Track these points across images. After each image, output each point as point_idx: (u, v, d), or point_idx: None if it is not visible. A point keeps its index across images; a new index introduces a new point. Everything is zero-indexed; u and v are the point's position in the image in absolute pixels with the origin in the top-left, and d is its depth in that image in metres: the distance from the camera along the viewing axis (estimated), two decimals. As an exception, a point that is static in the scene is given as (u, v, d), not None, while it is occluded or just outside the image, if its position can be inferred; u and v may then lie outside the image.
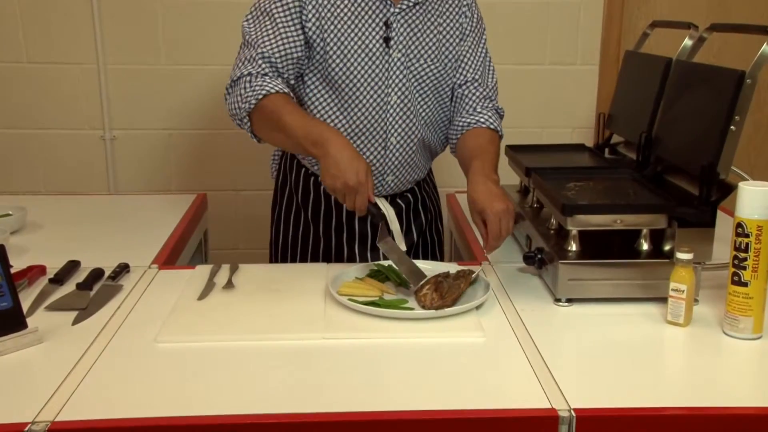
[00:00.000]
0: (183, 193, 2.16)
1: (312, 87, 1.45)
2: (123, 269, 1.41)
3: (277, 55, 1.40)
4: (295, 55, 1.41)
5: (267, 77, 1.38)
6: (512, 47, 2.39)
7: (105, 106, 2.34)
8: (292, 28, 1.41)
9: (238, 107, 1.40)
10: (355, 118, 1.44)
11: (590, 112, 2.42)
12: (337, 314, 1.23)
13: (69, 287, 1.34)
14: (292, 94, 1.39)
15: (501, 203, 1.29)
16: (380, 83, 1.43)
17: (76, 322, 1.21)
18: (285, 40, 1.40)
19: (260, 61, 1.39)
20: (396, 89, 1.44)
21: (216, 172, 2.41)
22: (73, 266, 1.41)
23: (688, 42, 1.58)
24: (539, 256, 1.37)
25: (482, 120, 1.53)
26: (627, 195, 1.40)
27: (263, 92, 1.36)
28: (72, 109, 2.34)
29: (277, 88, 1.36)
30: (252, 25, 1.43)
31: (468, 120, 1.53)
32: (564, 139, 2.38)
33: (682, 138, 1.43)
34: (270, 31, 1.41)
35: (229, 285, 1.35)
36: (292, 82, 1.45)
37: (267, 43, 1.40)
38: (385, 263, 1.38)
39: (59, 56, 2.31)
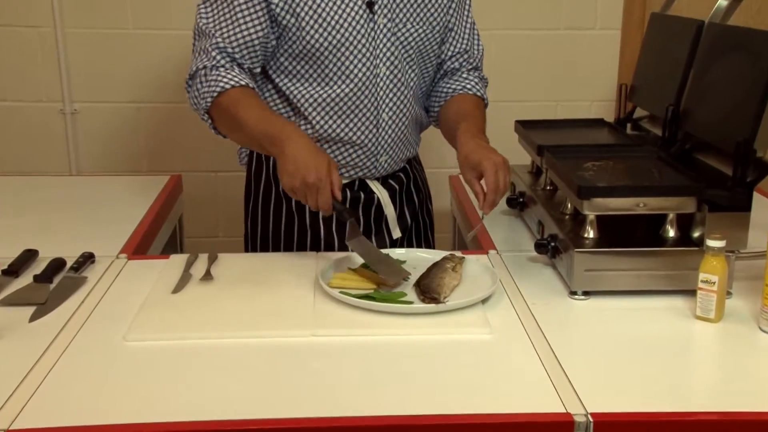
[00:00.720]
0: (154, 174, 2.15)
1: (290, 69, 1.45)
2: (87, 259, 1.41)
3: (234, 44, 1.40)
4: (256, 42, 1.41)
5: (222, 69, 1.39)
6: (523, 10, 2.38)
7: (64, 76, 2.33)
8: (253, 13, 1.40)
9: (197, 104, 1.42)
10: (342, 95, 1.45)
11: (611, 82, 2.42)
12: (327, 309, 1.24)
13: (25, 280, 1.34)
14: (252, 84, 1.40)
15: (497, 156, 1.32)
16: (367, 54, 1.43)
17: (33, 318, 1.21)
18: (243, 28, 1.40)
19: (215, 53, 1.40)
20: (384, 59, 1.45)
21: (192, 150, 2.41)
22: (29, 256, 1.41)
23: (722, 2, 1.58)
24: (552, 244, 1.37)
25: (468, 86, 1.56)
26: (651, 175, 1.40)
27: (218, 88, 1.37)
28: (26, 78, 2.32)
29: (233, 82, 1.37)
30: (208, 13, 1.43)
31: (452, 86, 1.57)
32: (581, 114, 2.38)
33: (714, 111, 1.43)
34: (227, 19, 1.41)
35: (208, 277, 1.35)
36: (257, 70, 1.45)
37: (224, 33, 1.40)
38: (382, 253, 1.38)
39: (10, 18, 2.28)
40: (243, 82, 1.38)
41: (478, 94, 1.56)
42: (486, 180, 1.30)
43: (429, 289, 1.25)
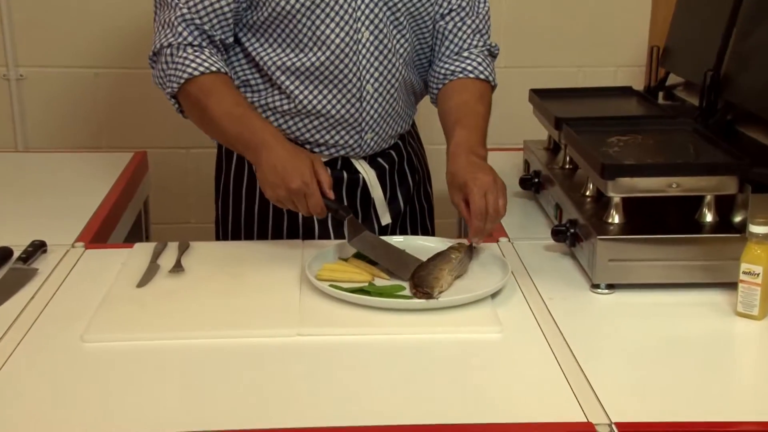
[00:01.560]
0: (116, 150, 2.15)
1: (260, 32, 1.45)
2: (38, 249, 1.41)
3: (202, 13, 1.40)
4: (226, 9, 1.41)
5: (190, 50, 1.38)
6: (540, -40, 2.38)
7: (8, 36, 2.31)
8: None
9: (162, 86, 1.42)
10: (318, 64, 1.44)
11: (640, 45, 2.41)
12: (315, 305, 1.24)
13: (-32, 271, 1.34)
14: (225, 69, 1.39)
15: (486, 175, 1.31)
16: (346, 17, 1.43)
17: (-22, 315, 1.21)
18: None
19: (181, 28, 1.39)
20: (367, 22, 1.44)
21: (159, 123, 2.39)
22: (-28, 244, 1.41)
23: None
24: (572, 230, 1.38)
25: (470, 67, 1.53)
26: (686, 151, 1.41)
27: (185, 75, 1.37)
28: (-36, 39, 2.31)
29: (202, 68, 1.37)
30: None
31: (452, 66, 1.53)
32: (606, 81, 2.38)
33: (759, 77, 1.43)
34: None
35: (178, 268, 1.35)
36: (230, 40, 1.44)
37: (189, 1, 1.39)
38: (393, 246, 1.38)
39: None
40: (214, 68, 1.38)
41: (482, 76, 1.52)
42: (471, 205, 1.30)
43: (423, 282, 1.25)
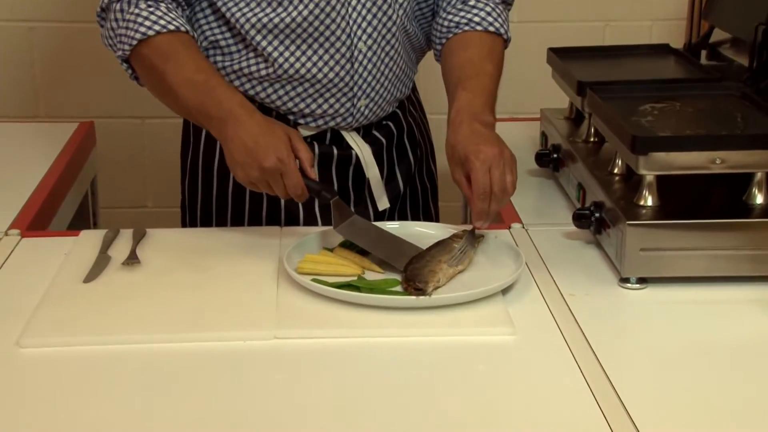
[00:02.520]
0: (56, 120, 2.15)
1: None
2: (-34, 236, 1.41)
3: None
4: None
5: (143, 4, 1.38)
6: None
7: None
8: None
9: (113, 48, 1.42)
10: (300, 20, 1.44)
11: (680, -5, 2.41)
12: (295, 302, 1.25)
13: None
14: (186, 27, 1.39)
15: (491, 146, 1.31)
16: None
17: None
18: None
19: None
20: None
21: (109, 88, 2.39)
22: None
23: None
24: (597, 214, 1.38)
25: (477, 18, 1.52)
26: (733, 121, 1.41)
27: (138, 35, 1.37)
28: None
29: (158, 26, 1.37)
30: None
31: (457, 17, 1.53)
32: (638, 38, 2.38)
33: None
34: None
35: (132, 260, 1.36)
36: None
37: None
38: (386, 231, 1.39)
39: None
40: (173, 26, 1.38)
41: (492, 28, 1.52)
42: (473, 183, 1.30)
43: (416, 275, 1.26)
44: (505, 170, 1.30)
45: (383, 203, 1.57)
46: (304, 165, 1.32)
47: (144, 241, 1.43)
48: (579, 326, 1.20)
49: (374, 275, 1.31)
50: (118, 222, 1.61)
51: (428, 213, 1.68)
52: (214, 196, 1.57)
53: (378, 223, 1.42)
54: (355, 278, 1.29)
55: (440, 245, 1.34)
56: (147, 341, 1.16)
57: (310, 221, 1.54)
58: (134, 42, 1.37)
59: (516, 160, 1.33)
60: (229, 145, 1.33)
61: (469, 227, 1.39)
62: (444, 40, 1.53)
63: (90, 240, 1.43)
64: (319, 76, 1.47)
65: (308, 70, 1.46)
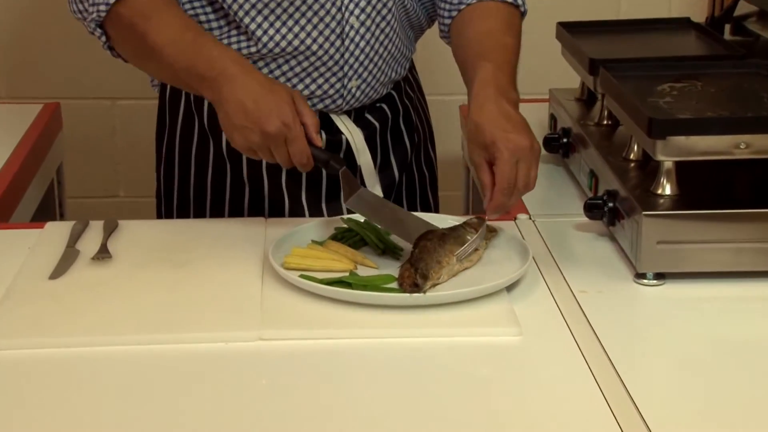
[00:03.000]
0: (19, 101, 2.14)
1: None
2: None
3: None
4: None
5: None
6: None
7: None
8: None
9: (83, 15, 1.40)
10: None
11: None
12: (282, 301, 1.25)
13: None
14: None
15: (522, 136, 1.30)
16: None
17: None
18: None
19: None
20: None
21: (76, 65, 2.38)
22: None
23: None
24: (610, 204, 1.39)
25: None
26: (759, 102, 1.41)
27: None
28: None
29: None
30: None
31: None
32: (656, 12, 2.38)
33: None
34: None
35: (103, 254, 1.36)
36: None
37: None
38: (400, 209, 1.40)
39: None
40: None
41: None
42: (497, 171, 1.29)
43: (419, 261, 1.25)
44: (531, 165, 1.30)
45: (376, 193, 1.57)
46: (309, 131, 1.30)
47: (116, 233, 1.42)
48: (591, 326, 1.20)
49: (368, 270, 1.31)
50: (87, 213, 1.61)
51: (426, 203, 1.68)
52: (192, 184, 1.57)
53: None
54: (347, 274, 1.29)
55: (453, 233, 1.33)
56: (118, 343, 1.16)
57: (297, 211, 1.54)
58: (110, 1, 1.36)
59: (541, 152, 1.32)
60: (225, 107, 1.30)
61: (473, 218, 1.39)
62: (455, 13, 1.53)
63: (56, 233, 1.43)
64: (307, 53, 1.47)
65: (295, 48, 1.46)
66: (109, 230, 1.42)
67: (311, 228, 1.40)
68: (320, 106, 1.52)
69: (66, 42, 2.33)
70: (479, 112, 1.33)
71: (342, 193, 1.33)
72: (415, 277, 1.23)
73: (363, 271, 1.31)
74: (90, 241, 1.40)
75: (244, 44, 1.47)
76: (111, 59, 1.46)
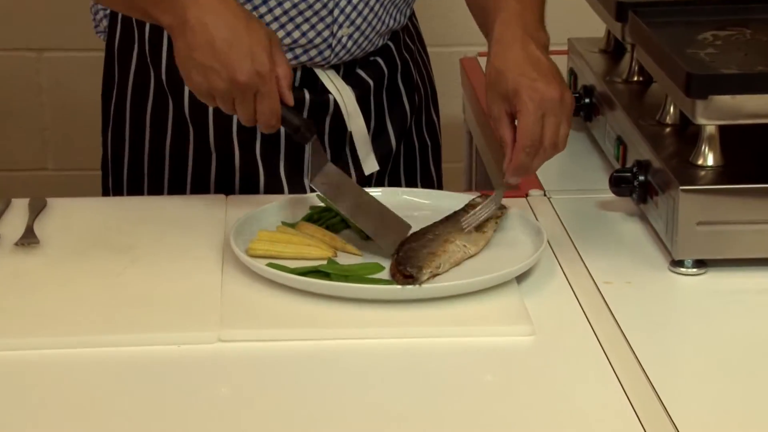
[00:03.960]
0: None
1: None
2: None
3: None
4: None
5: None
6: None
7: None
8: None
9: None
10: None
11: None
12: (246, 294, 1.25)
13: None
14: None
15: (551, 86, 1.30)
16: None
17: None
18: None
19: None
20: None
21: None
22: None
23: None
24: (641, 177, 1.39)
25: None
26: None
27: None
28: None
29: None
30: None
31: None
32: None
33: None
34: None
35: (29, 239, 1.36)
36: None
37: None
38: (371, 196, 1.39)
39: None
40: None
41: None
42: (520, 126, 1.30)
43: (408, 258, 1.26)
44: (561, 120, 1.30)
45: (370, 165, 1.57)
46: (281, 85, 1.29)
47: (43, 214, 1.42)
48: (617, 324, 1.20)
49: (350, 258, 1.31)
50: (9, 189, 1.61)
51: (428, 177, 1.69)
52: (147, 152, 1.57)
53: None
54: (325, 262, 1.29)
55: (449, 221, 1.34)
56: (47, 346, 1.15)
57: (274, 187, 1.54)
58: None
59: (575, 105, 1.32)
60: (188, 37, 1.28)
61: (476, 198, 1.39)
62: None
63: (-26, 213, 1.42)
64: None
65: None
66: (36, 210, 1.42)
67: (281, 207, 1.40)
68: (304, 58, 1.51)
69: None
70: (502, 57, 1.33)
71: (310, 168, 1.32)
72: (406, 269, 1.23)
73: (344, 259, 1.31)
74: (13, 223, 1.40)
75: None
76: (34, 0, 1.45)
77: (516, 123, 1.30)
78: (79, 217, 1.42)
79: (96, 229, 1.38)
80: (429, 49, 1.74)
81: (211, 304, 1.22)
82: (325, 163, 1.35)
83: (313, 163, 1.33)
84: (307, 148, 1.38)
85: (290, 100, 1.31)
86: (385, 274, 1.27)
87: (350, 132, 1.55)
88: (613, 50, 1.74)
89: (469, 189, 2.05)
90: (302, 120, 1.34)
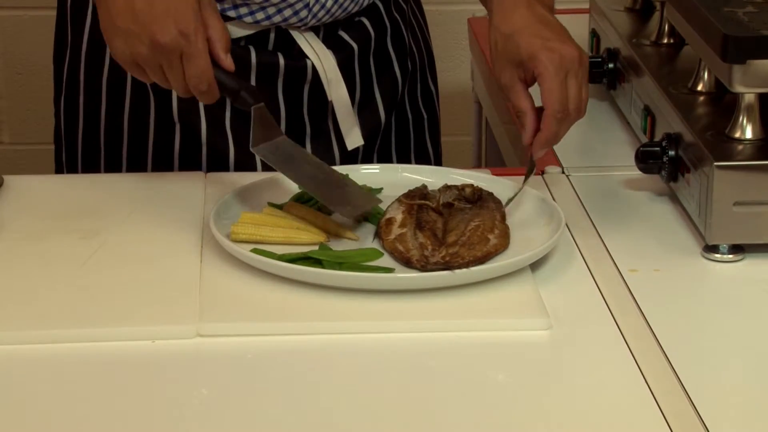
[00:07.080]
0: None
1: None
2: None
3: None
4: None
5: None
6: None
7: None
8: None
9: None
10: None
11: None
12: (227, 284, 1.26)
13: None
14: None
15: (567, 45, 1.32)
16: None
17: None
18: None
19: None
20: None
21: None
22: None
23: None
24: (671, 152, 1.40)
25: None
26: None
27: None
28: None
29: None
30: None
31: None
32: None
33: None
34: None
35: (-17, 221, 1.37)
36: None
37: None
38: (343, 171, 1.41)
39: None
40: None
41: None
42: (546, 94, 1.31)
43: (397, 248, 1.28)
44: (582, 80, 1.32)
45: (354, 139, 1.58)
46: (214, 47, 1.30)
47: (1, 193, 1.43)
48: (643, 317, 1.21)
49: (344, 243, 1.32)
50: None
51: (424, 153, 1.70)
52: (103, 122, 1.58)
53: (348, 167, 1.42)
54: (316, 248, 1.30)
55: (482, 209, 1.35)
56: (7, 341, 1.16)
57: (245, 163, 1.54)
58: None
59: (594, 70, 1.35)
60: (109, 3, 1.30)
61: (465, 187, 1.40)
62: None
63: None
64: None
65: None
66: (-8, 189, 1.43)
67: (267, 185, 1.41)
68: (277, 18, 1.51)
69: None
70: (508, 20, 1.35)
71: (251, 136, 1.33)
72: (438, 243, 1.25)
73: (337, 245, 1.32)
74: (-34, 205, 1.40)
75: None
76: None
77: (540, 89, 1.31)
78: (40, 197, 1.43)
79: (59, 211, 1.39)
80: (431, 8, 1.74)
81: (189, 295, 1.23)
82: (278, 135, 1.36)
83: (255, 132, 1.33)
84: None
85: (227, 63, 1.32)
86: (383, 261, 1.28)
87: (331, 102, 1.56)
88: (641, 8, 1.75)
89: (477, 166, 2.05)
90: (242, 84, 1.34)
